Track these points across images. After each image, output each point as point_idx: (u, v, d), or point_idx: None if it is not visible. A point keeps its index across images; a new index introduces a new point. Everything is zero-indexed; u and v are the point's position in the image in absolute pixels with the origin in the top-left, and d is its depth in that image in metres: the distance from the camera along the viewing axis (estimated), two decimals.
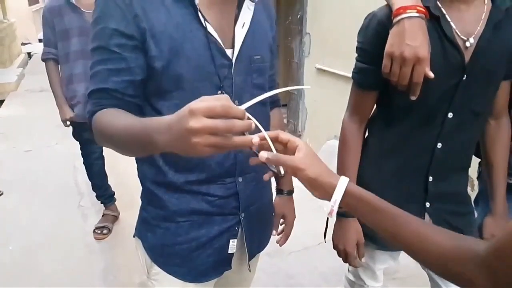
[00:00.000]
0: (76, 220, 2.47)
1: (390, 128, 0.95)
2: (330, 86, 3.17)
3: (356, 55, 0.94)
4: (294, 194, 1.11)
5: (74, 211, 2.57)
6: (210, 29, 0.75)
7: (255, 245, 0.96)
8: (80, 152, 2.26)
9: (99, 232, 2.28)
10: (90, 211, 2.56)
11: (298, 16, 3.47)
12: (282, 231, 1.11)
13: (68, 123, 2.10)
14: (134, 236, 0.92)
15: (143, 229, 0.89)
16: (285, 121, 3.88)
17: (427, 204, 0.96)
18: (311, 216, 2.41)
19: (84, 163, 2.28)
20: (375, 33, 0.85)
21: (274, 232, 1.08)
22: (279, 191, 1.09)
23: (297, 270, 2.04)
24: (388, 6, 0.83)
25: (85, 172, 2.32)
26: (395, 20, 0.77)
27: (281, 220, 1.10)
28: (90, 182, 2.35)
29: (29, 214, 2.51)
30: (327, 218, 1.07)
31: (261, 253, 1.04)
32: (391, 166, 0.96)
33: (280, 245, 1.11)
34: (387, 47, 0.78)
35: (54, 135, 3.67)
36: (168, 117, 0.54)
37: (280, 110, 1.10)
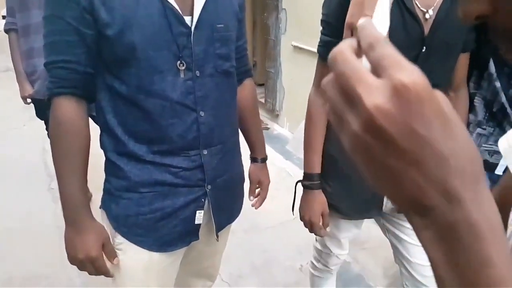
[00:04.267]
0: (46, 203, 2.40)
1: None
2: (307, 64, 3.15)
3: (321, 28, 0.93)
4: (270, 173, 1.15)
5: (44, 194, 2.49)
6: None
7: (223, 217, 0.95)
8: (46, 132, 2.17)
9: None
10: None
11: None
12: (258, 194, 1.14)
13: (29, 100, 1.98)
14: (100, 208, 0.91)
15: (107, 201, 0.88)
16: (262, 100, 3.85)
17: None
18: (286, 193, 2.45)
19: None
20: (338, 5, 0.84)
21: (251, 197, 1.12)
22: (254, 159, 1.12)
23: (273, 244, 2.08)
24: None
25: None
26: None
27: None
28: None
29: None
30: (295, 192, 1.09)
31: (237, 229, 1.05)
32: None
33: (256, 208, 1.15)
34: (348, 18, 0.77)
35: (22, 117, 3.51)
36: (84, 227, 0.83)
37: (252, 81, 1.07)
